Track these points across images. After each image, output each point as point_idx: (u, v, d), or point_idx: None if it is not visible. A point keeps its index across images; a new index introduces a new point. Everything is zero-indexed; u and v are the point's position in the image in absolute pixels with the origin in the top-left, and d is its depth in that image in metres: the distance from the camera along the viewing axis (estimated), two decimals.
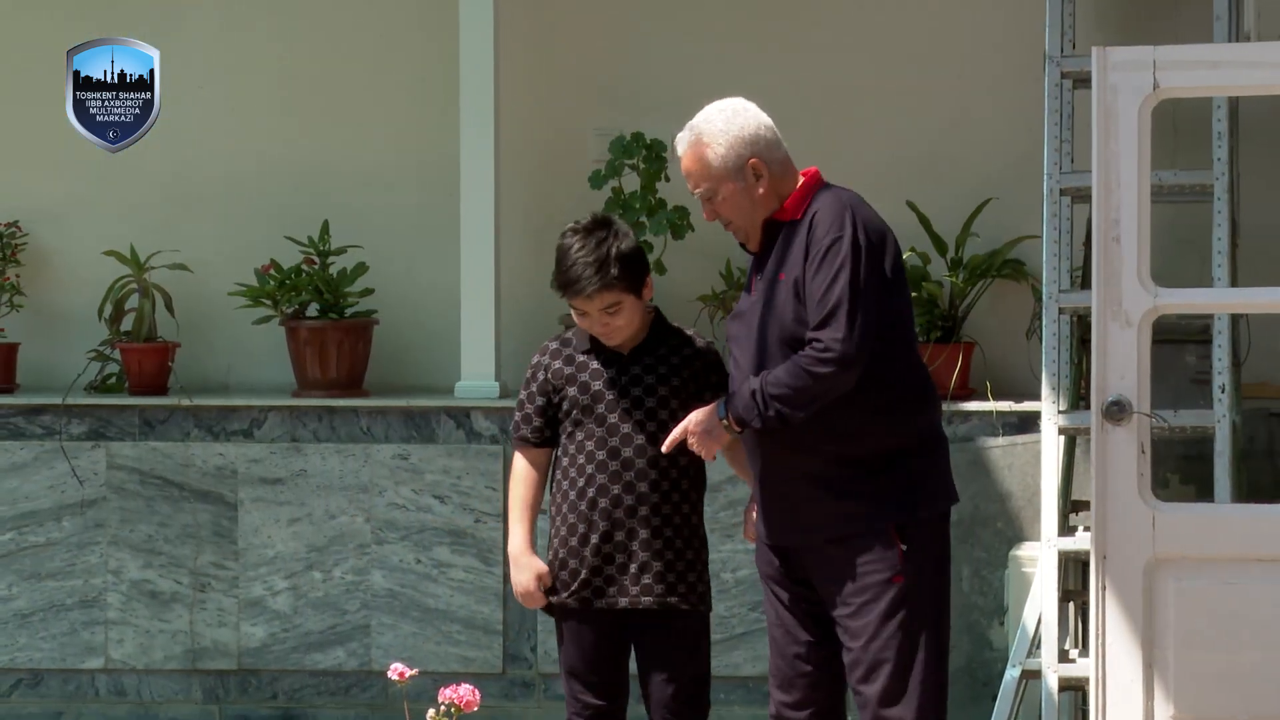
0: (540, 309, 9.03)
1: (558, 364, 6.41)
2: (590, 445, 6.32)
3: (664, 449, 6.21)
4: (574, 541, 6.33)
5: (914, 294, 8.82)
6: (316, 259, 9.10)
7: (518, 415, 6.46)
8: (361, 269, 9.09)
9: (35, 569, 8.95)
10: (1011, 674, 7.90)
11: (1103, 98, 7.11)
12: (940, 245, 8.87)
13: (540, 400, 6.41)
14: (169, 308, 9.18)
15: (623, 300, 6.30)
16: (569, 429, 6.36)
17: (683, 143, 6.17)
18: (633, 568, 6.30)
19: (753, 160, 6.07)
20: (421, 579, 8.80)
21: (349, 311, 9.07)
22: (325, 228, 9.12)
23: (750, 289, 6.15)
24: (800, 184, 6.15)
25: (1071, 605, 7.93)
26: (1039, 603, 7.93)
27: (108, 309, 9.17)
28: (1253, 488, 8.26)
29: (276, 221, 9.21)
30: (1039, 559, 7.99)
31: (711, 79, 8.99)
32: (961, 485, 8.41)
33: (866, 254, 5.96)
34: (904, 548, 6.03)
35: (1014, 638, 8.03)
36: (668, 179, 8.89)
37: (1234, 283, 8.09)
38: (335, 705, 8.89)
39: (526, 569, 6.38)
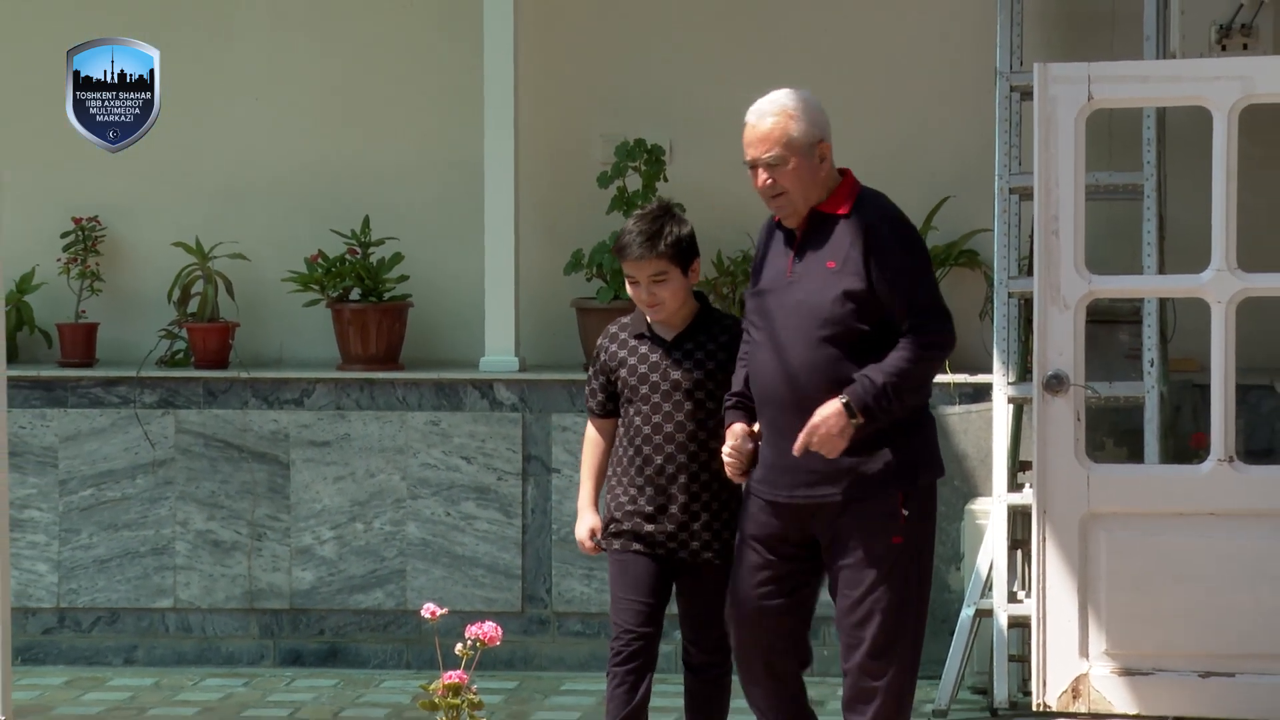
0: (555, 293, 9.09)
1: (614, 347, 6.45)
2: (638, 420, 6.36)
3: (795, 452, 5.94)
4: (623, 499, 6.38)
5: None
6: (358, 249, 9.10)
7: (587, 390, 6.54)
8: (398, 258, 9.10)
9: (112, 521, 8.99)
10: (967, 613, 7.95)
11: (1043, 108, 7.17)
12: None
13: (602, 378, 6.46)
14: (229, 292, 9.19)
15: (669, 272, 6.30)
16: (624, 405, 6.41)
17: (763, 112, 6.04)
18: (671, 527, 6.34)
19: (823, 143, 6.03)
20: (450, 529, 8.84)
21: (387, 295, 9.07)
22: (366, 222, 9.13)
23: (790, 268, 6.02)
24: (842, 181, 6.10)
25: (1020, 553, 7.93)
26: (991, 551, 7.96)
27: (176, 293, 9.17)
28: (1178, 450, 8.31)
29: (323, 216, 9.21)
30: (991, 512, 8.02)
31: (703, 91, 9.09)
32: None
33: (928, 251, 6.12)
34: (905, 513, 5.98)
35: (969, 581, 8.06)
36: (666, 179, 8.89)
37: (1161, 271, 8.10)
38: (375, 640, 8.94)
39: (585, 523, 6.50)
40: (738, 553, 6.20)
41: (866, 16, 9.14)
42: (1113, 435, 8.41)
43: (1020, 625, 7.80)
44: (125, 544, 8.98)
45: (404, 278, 9.12)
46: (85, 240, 9.31)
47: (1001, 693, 7.84)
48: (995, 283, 8.25)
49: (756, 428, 6.13)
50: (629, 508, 6.38)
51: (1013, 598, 7.88)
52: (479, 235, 8.96)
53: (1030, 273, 7.65)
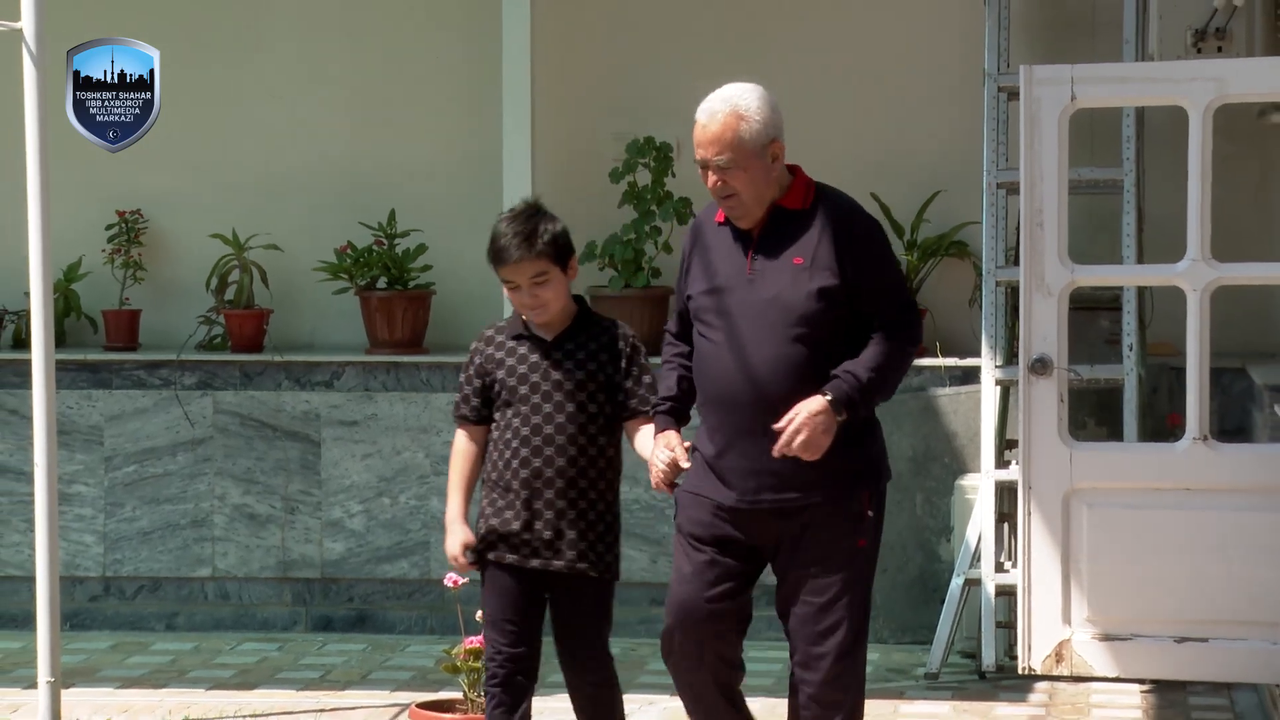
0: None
1: (490, 349, 5.86)
2: (516, 423, 5.75)
3: (775, 453, 5.37)
4: (501, 505, 5.80)
5: None
6: (385, 240, 9.10)
7: (458, 395, 5.92)
8: (422, 248, 9.10)
9: (154, 495, 9.00)
10: (957, 582, 7.96)
11: (1029, 108, 7.17)
12: (898, 229, 8.86)
13: (477, 382, 5.85)
14: (264, 280, 9.19)
15: (549, 272, 5.73)
16: (500, 408, 5.81)
17: (714, 112, 5.44)
18: (547, 534, 5.74)
19: (777, 142, 5.46)
20: (471, 504, 8.84)
21: (411, 284, 9.07)
22: (392, 215, 9.13)
23: (750, 265, 5.47)
24: (796, 177, 5.55)
25: (1006, 526, 7.95)
26: (979, 524, 7.97)
27: (213, 281, 9.18)
28: (1155, 429, 8.32)
29: (351, 210, 9.21)
30: (979, 487, 8.03)
31: (708, 91, 9.04)
32: (915, 427, 8.56)
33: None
34: (870, 514, 5.46)
35: (959, 553, 8.07)
36: (674, 175, 8.90)
37: (1140, 261, 8.12)
38: (400, 607, 8.96)
39: (457, 536, 5.86)
40: (681, 557, 5.54)
41: (862, 22, 9.13)
42: (1094, 415, 8.42)
43: (1007, 594, 7.81)
44: (166, 517, 9.00)
45: (428, 267, 9.13)
46: (128, 232, 9.32)
47: (989, 657, 7.85)
48: (983, 272, 8.26)
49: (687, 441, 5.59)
50: (503, 515, 5.79)
51: (1000, 568, 7.90)
52: None
53: (1016, 263, 7.65)
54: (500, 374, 5.80)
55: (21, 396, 8.77)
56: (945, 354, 8.71)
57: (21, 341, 9.14)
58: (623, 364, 5.80)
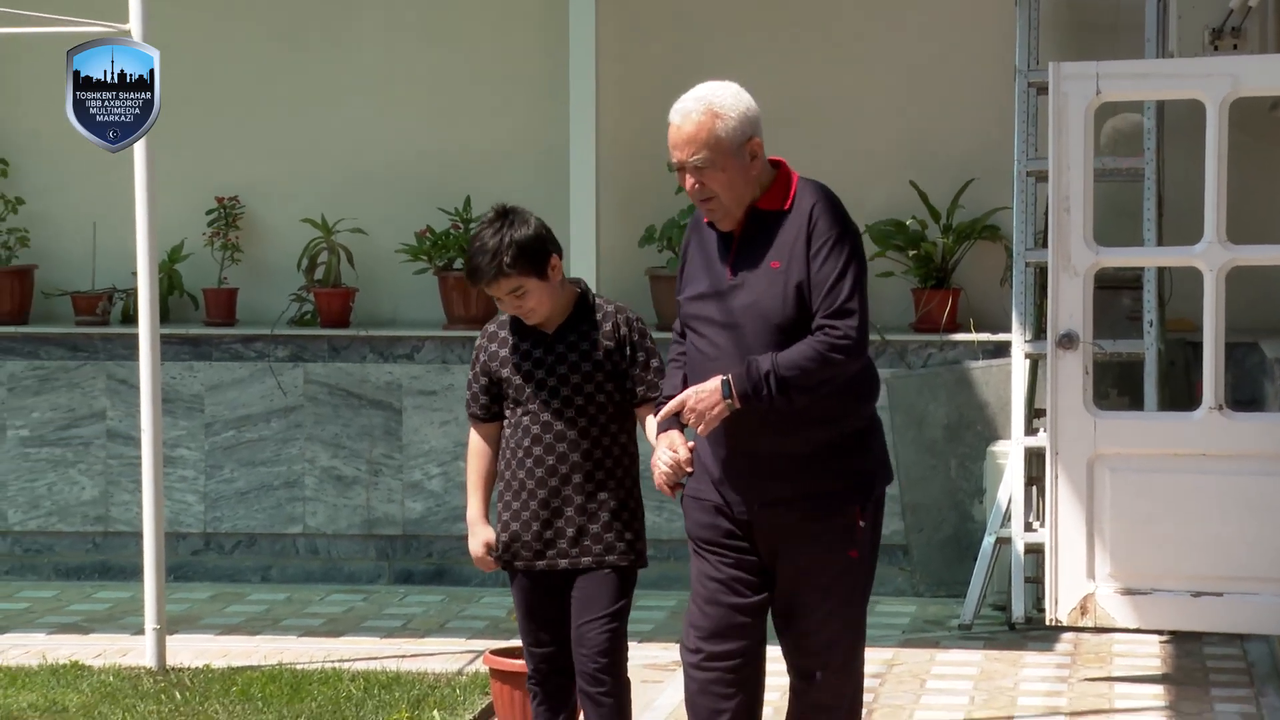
0: (630, 265, 9.10)
1: (493, 347, 5.39)
2: (526, 421, 5.32)
3: (657, 420, 4.98)
4: (517, 507, 5.36)
5: (914, 252, 8.86)
6: (461, 225, 9.12)
7: (468, 394, 5.47)
8: None
9: (250, 458, 9.07)
10: (988, 541, 7.96)
11: (1057, 102, 7.15)
12: (935, 214, 8.85)
13: (483, 380, 5.40)
14: (350, 262, 9.23)
15: (524, 284, 5.25)
16: (509, 406, 5.37)
17: (687, 111, 4.90)
18: (570, 531, 5.31)
19: (755, 140, 4.87)
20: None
21: None
22: (468, 201, 9.17)
23: (730, 271, 4.91)
24: (778, 173, 4.94)
25: (1034, 488, 7.95)
26: (1009, 487, 7.97)
27: (304, 262, 9.22)
28: (1173, 399, 8.30)
29: (430, 196, 9.24)
30: (1009, 453, 8.02)
31: (759, 85, 9.02)
32: (950, 397, 8.57)
33: (861, 250, 4.93)
34: (862, 525, 4.93)
35: (990, 513, 8.07)
36: None
37: (1160, 243, 8.10)
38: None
39: (479, 536, 5.42)
40: (700, 564, 5.01)
41: (903, 23, 9.11)
42: (1116, 386, 8.40)
43: (1035, 551, 7.82)
44: (261, 478, 9.07)
45: None
46: (227, 217, 9.37)
47: (1019, 610, 7.86)
48: (1014, 254, 8.25)
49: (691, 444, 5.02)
50: (521, 518, 5.36)
51: (1029, 527, 7.90)
52: (565, 212, 8.94)
53: (1045, 245, 7.64)
54: (505, 372, 5.36)
55: (130, 368, 8.85)
56: (978, 330, 8.70)
57: (129, 317, 9.20)
58: (628, 350, 5.36)
